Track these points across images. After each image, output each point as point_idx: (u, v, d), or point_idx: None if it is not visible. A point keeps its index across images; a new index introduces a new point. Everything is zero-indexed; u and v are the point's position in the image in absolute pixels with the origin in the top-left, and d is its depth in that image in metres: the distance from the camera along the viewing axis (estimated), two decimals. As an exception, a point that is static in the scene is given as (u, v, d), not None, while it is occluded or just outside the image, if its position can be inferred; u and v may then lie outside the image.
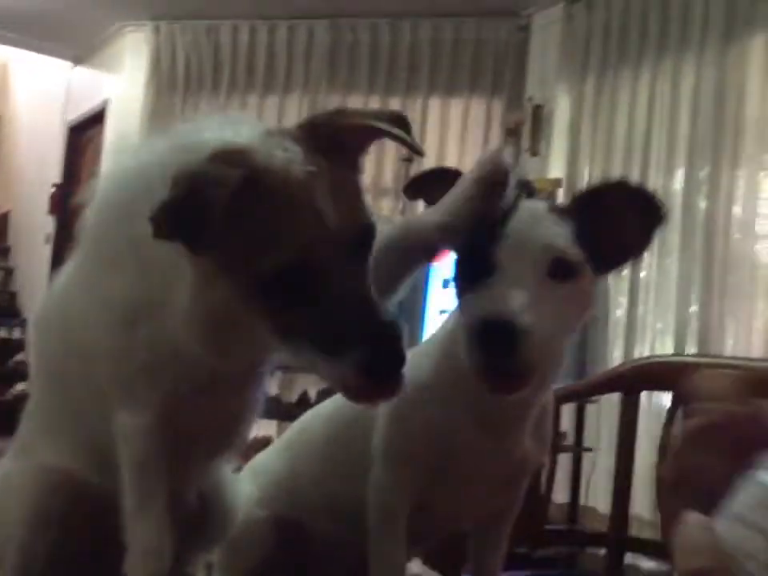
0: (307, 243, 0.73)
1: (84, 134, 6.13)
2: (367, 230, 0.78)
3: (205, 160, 0.73)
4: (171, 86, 5.35)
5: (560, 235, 0.87)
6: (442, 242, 0.87)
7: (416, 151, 0.87)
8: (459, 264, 0.89)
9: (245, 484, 1.14)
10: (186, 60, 5.32)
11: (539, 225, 0.87)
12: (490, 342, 0.80)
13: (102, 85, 5.81)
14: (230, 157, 0.74)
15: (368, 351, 0.72)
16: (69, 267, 0.94)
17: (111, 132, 5.55)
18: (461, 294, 0.89)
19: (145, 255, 0.82)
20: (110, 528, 0.87)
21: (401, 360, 0.73)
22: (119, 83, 5.60)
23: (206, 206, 0.70)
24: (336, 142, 0.78)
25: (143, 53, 5.42)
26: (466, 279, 0.87)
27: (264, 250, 0.72)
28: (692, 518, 0.66)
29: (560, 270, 0.86)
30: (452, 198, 0.88)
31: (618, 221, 0.89)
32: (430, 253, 0.89)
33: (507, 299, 0.81)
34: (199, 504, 0.99)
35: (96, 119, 5.81)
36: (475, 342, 0.81)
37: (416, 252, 0.89)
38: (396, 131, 0.82)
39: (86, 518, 0.92)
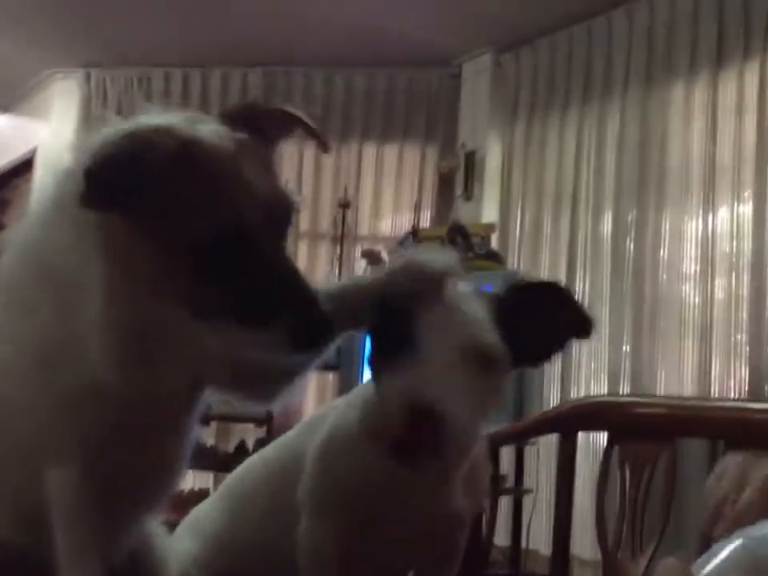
0: (239, 212, 0.72)
1: (12, 182, 5.99)
2: (291, 207, 0.78)
3: (123, 136, 0.71)
4: (102, 133, 5.30)
5: (485, 324, 0.85)
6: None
7: (323, 145, 0.88)
8: (377, 338, 0.85)
9: (181, 540, 1.11)
10: (117, 107, 5.27)
11: (467, 309, 0.85)
12: (417, 429, 0.77)
13: (31, 132, 5.71)
14: (153, 130, 0.72)
15: (298, 317, 0.72)
16: None
17: (40, 180, 5.44)
18: (378, 369, 0.84)
19: (59, 283, 0.79)
20: None
21: (329, 324, 0.74)
22: (48, 131, 5.51)
23: (145, 168, 0.68)
24: (255, 126, 0.79)
25: (73, 100, 5.36)
26: (385, 354, 0.82)
27: (197, 218, 0.71)
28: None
29: (482, 360, 0.83)
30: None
31: (543, 319, 0.88)
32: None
33: (433, 384, 0.78)
34: (128, 562, 0.95)
35: (25, 167, 5.69)
36: (398, 425, 0.77)
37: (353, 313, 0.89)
38: (310, 122, 0.84)
39: None
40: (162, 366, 0.81)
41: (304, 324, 0.72)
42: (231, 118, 0.79)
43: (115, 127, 0.76)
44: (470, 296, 0.87)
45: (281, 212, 0.77)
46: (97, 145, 0.71)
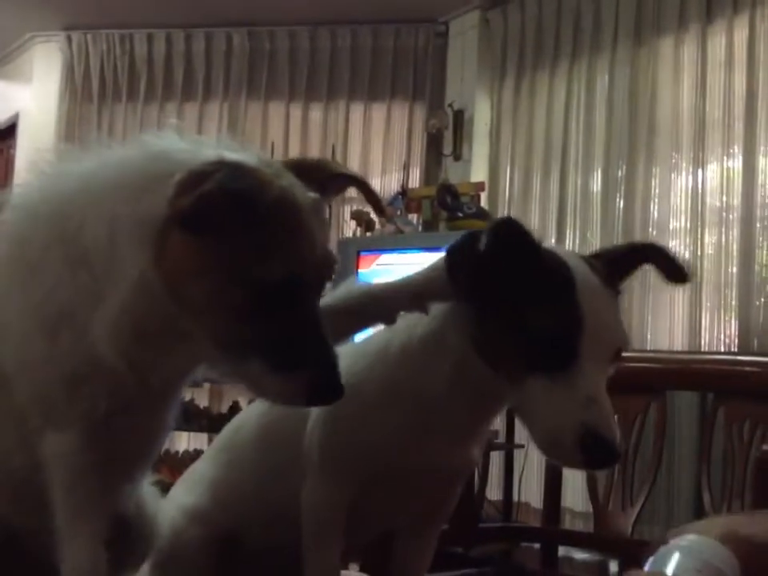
0: (302, 262, 0.78)
1: (-5, 147, 5.92)
2: (334, 268, 0.84)
3: (216, 165, 0.76)
4: (86, 97, 5.22)
5: (624, 325, 0.90)
6: (414, 309, 0.93)
7: (381, 210, 0.95)
8: (532, 341, 0.85)
9: (176, 497, 1.11)
10: (100, 70, 5.20)
11: (612, 314, 0.88)
12: (599, 462, 0.85)
13: (13, 97, 5.63)
14: (263, 174, 0.78)
15: (319, 373, 0.78)
16: None
17: (24, 145, 5.38)
18: (530, 367, 0.86)
19: (82, 259, 0.81)
20: (26, 558, 0.85)
21: (341, 388, 0.80)
22: (31, 95, 5.44)
23: (251, 208, 0.75)
24: (320, 184, 0.85)
25: (55, 63, 5.28)
26: (539, 359, 0.85)
27: (267, 260, 0.77)
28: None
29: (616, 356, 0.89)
30: (428, 271, 0.93)
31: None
32: (393, 318, 0.94)
33: (611, 419, 0.83)
34: (119, 523, 0.96)
35: (7, 133, 5.62)
36: (581, 450, 0.83)
37: (380, 315, 0.95)
38: (371, 188, 0.92)
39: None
40: (163, 363, 0.84)
41: (322, 383, 0.78)
42: (300, 171, 0.85)
43: (215, 153, 0.81)
44: (604, 291, 0.88)
45: (328, 271, 0.83)
46: (198, 169, 0.76)
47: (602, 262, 0.92)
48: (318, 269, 0.81)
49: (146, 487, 1.05)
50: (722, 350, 3.43)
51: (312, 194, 0.82)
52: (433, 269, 0.91)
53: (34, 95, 5.40)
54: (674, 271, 0.97)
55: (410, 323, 0.97)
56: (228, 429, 1.17)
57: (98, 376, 0.82)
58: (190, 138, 0.85)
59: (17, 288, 0.85)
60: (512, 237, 0.87)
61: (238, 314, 0.77)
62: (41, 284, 0.82)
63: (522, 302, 0.85)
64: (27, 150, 5.29)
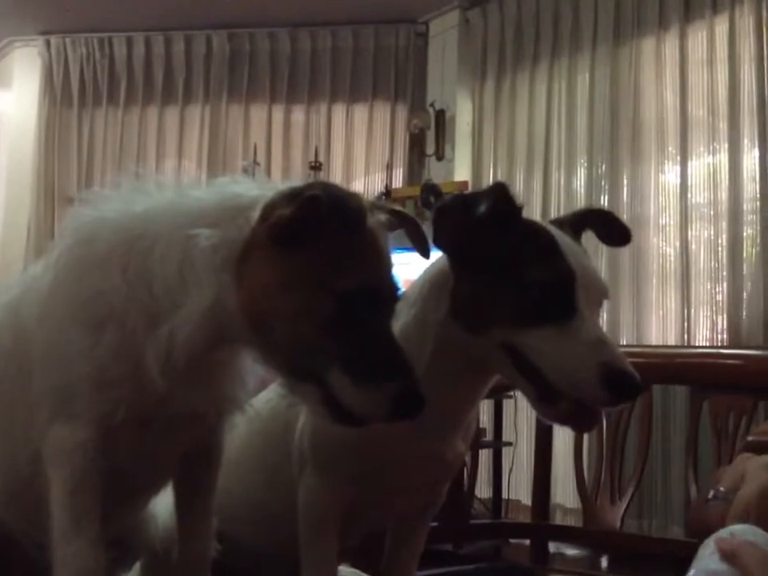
0: (380, 277, 0.83)
1: (-26, 154, 5.87)
2: (399, 293, 0.88)
3: (308, 185, 0.81)
4: (66, 101, 5.19)
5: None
6: None
7: (426, 253, 0.97)
8: (531, 296, 0.90)
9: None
10: (79, 74, 5.17)
11: (593, 267, 0.96)
12: (627, 393, 0.88)
13: (-9, 102, 5.59)
14: (334, 186, 0.83)
15: (404, 386, 0.79)
16: (33, 271, 0.93)
17: (3, 149, 5.34)
18: (531, 322, 0.90)
19: (137, 274, 0.83)
20: (20, 560, 0.86)
21: (423, 402, 0.80)
22: (10, 100, 5.40)
23: (347, 211, 0.80)
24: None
25: (35, 68, 5.24)
26: (541, 312, 0.90)
27: (350, 270, 0.80)
28: None
29: None
30: None
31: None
32: None
33: (624, 356, 0.89)
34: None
35: (-13, 138, 5.58)
36: (606, 387, 0.87)
37: None
38: (422, 233, 0.96)
39: None
40: (197, 393, 0.86)
41: (406, 396, 0.79)
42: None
43: (313, 182, 0.85)
44: (583, 250, 0.96)
45: (397, 289, 0.87)
46: (289, 189, 0.82)
47: (561, 227, 0.98)
48: (392, 284, 0.85)
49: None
50: (714, 344, 3.45)
51: (381, 217, 0.86)
52: None
53: (13, 100, 5.36)
54: (613, 234, 1.03)
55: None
56: None
57: (127, 384, 0.83)
58: (261, 181, 0.89)
59: (70, 279, 0.86)
60: (505, 202, 0.92)
61: (323, 325, 0.78)
62: (97, 283, 0.84)
63: (514, 263, 0.91)
64: (7, 155, 5.26)
